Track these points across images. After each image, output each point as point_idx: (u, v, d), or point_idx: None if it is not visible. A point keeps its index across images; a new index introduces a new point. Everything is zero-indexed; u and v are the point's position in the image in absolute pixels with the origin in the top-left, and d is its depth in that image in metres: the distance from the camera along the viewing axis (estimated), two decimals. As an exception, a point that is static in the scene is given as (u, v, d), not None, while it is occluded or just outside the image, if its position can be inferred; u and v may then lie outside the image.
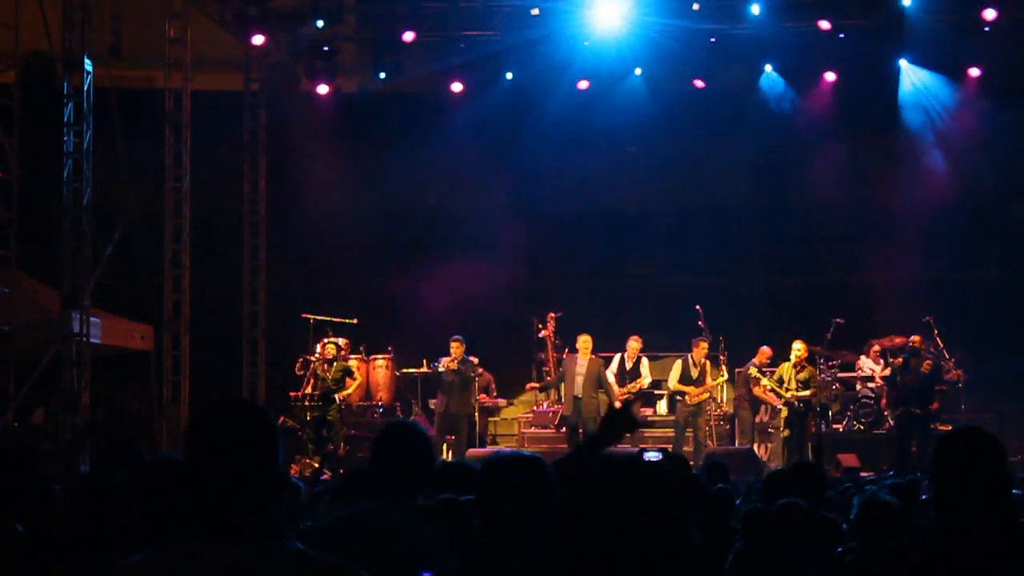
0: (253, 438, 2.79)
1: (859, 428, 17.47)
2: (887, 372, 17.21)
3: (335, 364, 16.91)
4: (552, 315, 17.74)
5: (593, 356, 16.49)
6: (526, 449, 17.01)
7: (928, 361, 16.16)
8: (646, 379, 17.16)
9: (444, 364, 16.77)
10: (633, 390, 16.78)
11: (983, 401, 17.83)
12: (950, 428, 16.94)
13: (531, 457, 4.06)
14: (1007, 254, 20.02)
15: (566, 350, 17.42)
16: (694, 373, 16.85)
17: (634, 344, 17.13)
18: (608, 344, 17.33)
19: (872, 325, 18.66)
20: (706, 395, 16.87)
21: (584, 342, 16.50)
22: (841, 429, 17.60)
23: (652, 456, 5.95)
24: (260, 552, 2.73)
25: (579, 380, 16.28)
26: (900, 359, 16.48)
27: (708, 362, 16.97)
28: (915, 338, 16.40)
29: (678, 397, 17.03)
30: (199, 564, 2.71)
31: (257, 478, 2.76)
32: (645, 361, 17.26)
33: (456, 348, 16.78)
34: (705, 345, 16.93)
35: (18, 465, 5.14)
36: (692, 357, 16.90)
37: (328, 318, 17.91)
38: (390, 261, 21.00)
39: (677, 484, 2.60)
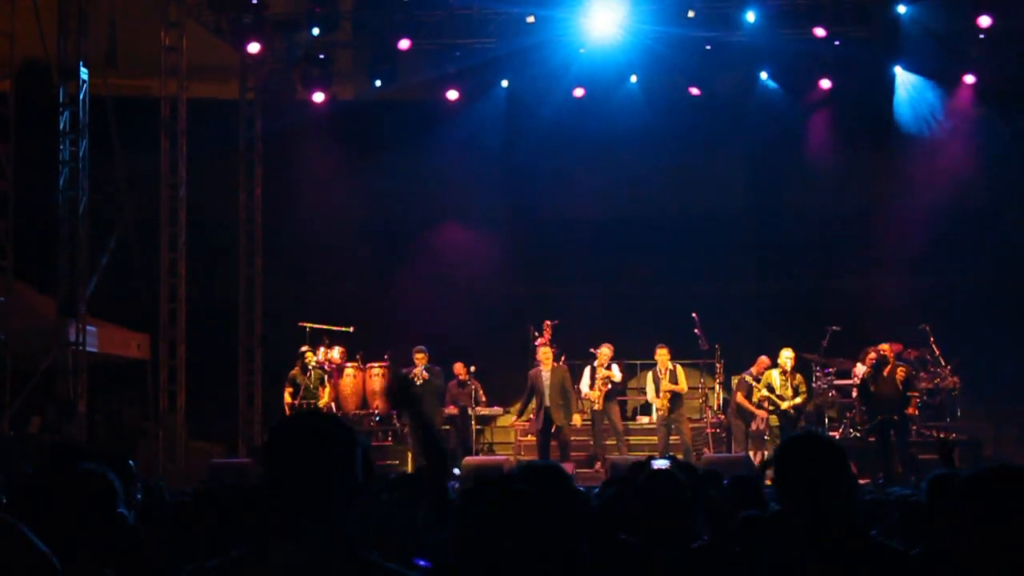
0: (332, 448, 2.82)
1: (855, 435, 17.45)
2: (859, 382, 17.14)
3: (313, 372, 16.91)
4: (548, 323, 17.71)
5: (556, 365, 16.66)
6: (522, 457, 17.08)
7: (901, 368, 16.13)
8: (616, 375, 17.01)
9: (416, 374, 16.74)
10: (601, 376, 16.64)
11: (979, 408, 17.85)
12: (944, 435, 17.02)
13: (553, 465, 4.08)
14: (1003, 261, 20.02)
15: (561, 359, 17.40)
16: (663, 381, 16.80)
17: (606, 351, 17.01)
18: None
19: (868, 332, 18.64)
20: (668, 400, 16.70)
21: (544, 353, 16.60)
22: (837, 436, 17.57)
23: (660, 464, 5.96)
24: (333, 560, 2.75)
25: (547, 392, 16.44)
26: (869, 369, 16.46)
27: (677, 367, 16.89)
28: (883, 346, 16.35)
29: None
30: (272, 571, 2.74)
31: (334, 488, 2.79)
32: (615, 367, 17.11)
33: (421, 358, 16.84)
34: (664, 351, 16.84)
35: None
36: (657, 367, 16.87)
37: (324, 326, 17.91)
38: (386, 269, 20.98)
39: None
